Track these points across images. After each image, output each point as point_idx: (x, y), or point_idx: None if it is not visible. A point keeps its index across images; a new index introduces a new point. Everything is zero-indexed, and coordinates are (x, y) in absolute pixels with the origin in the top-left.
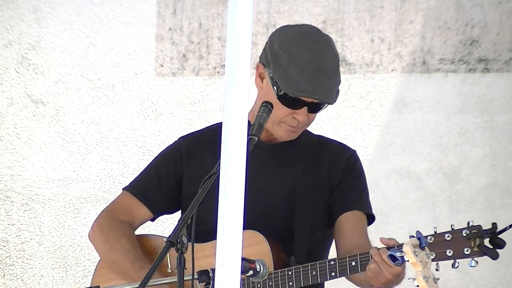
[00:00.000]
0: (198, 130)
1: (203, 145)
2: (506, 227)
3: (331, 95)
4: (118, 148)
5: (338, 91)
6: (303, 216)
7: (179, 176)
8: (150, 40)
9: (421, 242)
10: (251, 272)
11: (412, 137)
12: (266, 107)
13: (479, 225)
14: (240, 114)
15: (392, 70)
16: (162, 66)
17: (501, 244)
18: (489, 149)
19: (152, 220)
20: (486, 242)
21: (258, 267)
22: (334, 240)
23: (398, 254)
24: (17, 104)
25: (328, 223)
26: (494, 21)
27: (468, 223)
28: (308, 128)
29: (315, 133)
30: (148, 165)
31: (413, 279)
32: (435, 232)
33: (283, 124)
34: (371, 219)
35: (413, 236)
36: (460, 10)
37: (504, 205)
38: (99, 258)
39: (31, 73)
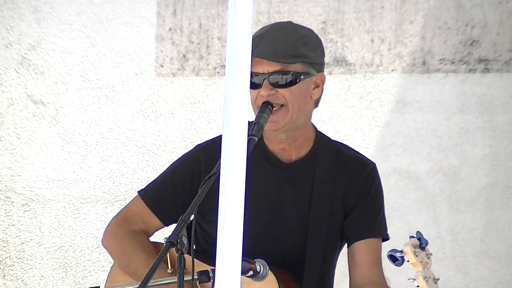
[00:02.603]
0: (217, 137)
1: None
2: None
3: (270, 53)
4: (118, 148)
5: (297, 56)
6: (315, 248)
7: (195, 191)
8: (150, 41)
9: (421, 242)
10: (251, 273)
11: (412, 137)
12: (266, 107)
13: None
14: (240, 114)
15: (392, 70)
16: (162, 66)
17: None
18: (489, 149)
19: (167, 225)
20: None
21: (258, 267)
22: (347, 265)
23: (398, 255)
24: (17, 105)
25: (338, 243)
26: (494, 21)
27: None
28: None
29: None
30: (165, 171)
31: (413, 279)
32: None
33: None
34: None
35: (413, 236)
36: (460, 10)
37: (504, 205)
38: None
39: (31, 74)
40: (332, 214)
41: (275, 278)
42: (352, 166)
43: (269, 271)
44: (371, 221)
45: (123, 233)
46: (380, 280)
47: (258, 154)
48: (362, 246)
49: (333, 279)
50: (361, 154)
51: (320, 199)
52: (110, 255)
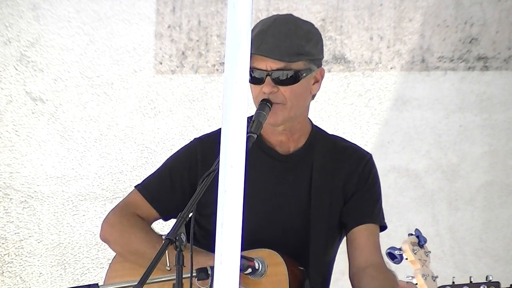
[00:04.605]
0: (215, 131)
1: (219, 148)
2: None
3: (275, 52)
4: (117, 145)
5: (301, 54)
6: (318, 236)
7: (193, 182)
8: (149, 38)
9: (419, 240)
10: (249, 270)
11: (411, 135)
12: (266, 105)
13: (498, 282)
14: (239, 112)
15: (391, 68)
16: (161, 63)
17: None
18: (488, 147)
19: (165, 220)
20: None
21: (257, 265)
22: (347, 250)
23: (396, 252)
24: (16, 102)
25: (339, 233)
26: (493, 19)
27: (487, 277)
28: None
29: None
30: (162, 165)
31: (412, 277)
32: (453, 283)
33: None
34: (383, 227)
35: (412, 234)
36: (459, 8)
37: (503, 203)
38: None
39: (30, 71)
40: (333, 203)
41: (283, 261)
42: (349, 156)
43: (277, 254)
44: (370, 208)
45: (120, 219)
46: (382, 264)
47: (255, 146)
48: (362, 230)
49: (331, 274)
50: (357, 145)
51: (319, 188)
52: (110, 244)
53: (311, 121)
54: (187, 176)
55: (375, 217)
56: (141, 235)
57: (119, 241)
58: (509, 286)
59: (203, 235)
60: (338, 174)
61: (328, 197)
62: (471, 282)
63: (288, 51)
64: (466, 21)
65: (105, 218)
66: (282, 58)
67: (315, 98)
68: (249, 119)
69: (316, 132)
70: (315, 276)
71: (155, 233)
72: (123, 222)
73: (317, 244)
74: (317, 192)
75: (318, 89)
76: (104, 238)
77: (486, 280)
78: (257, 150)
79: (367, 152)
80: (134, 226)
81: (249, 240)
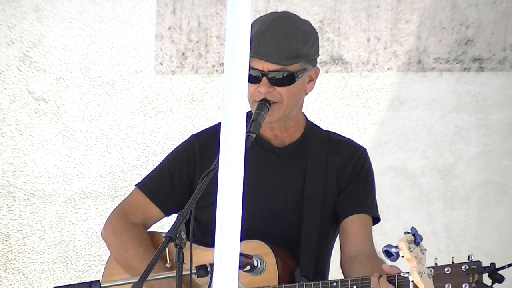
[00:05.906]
0: (212, 126)
1: (216, 143)
2: (505, 266)
3: (273, 55)
4: (118, 144)
5: (298, 57)
6: (310, 227)
7: (191, 176)
8: (150, 39)
9: (415, 238)
10: (248, 267)
11: (407, 135)
12: (264, 105)
13: (479, 261)
14: (239, 111)
15: (388, 69)
16: (161, 64)
17: (500, 279)
18: (483, 147)
19: (167, 215)
20: (485, 277)
21: (255, 262)
22: (339, 240)
23: (393, 250)
24: (19, 101)
25: (334, 225)
26: (489, 21)
27: (469, 257)
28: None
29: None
30: (161, 162)
31: (408, 273)
32: (436, 264)
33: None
34: (376, 219)
35: (408, 232)
36: (455, 10)
37: (498, 202)
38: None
39: (33, 71)
40: (326, 196)
41: (271, 251)
42: (343, 150)
43: (265, 245)
44: (363, 198)
45: (122, 226)
46: (372, 253)
47: None
48: (354, 220)
49: (328, 270)
50: (351, 140)
51: (313, 181)
52: (108, 247)
53: (306, 117)
54: (186, 172)
55: (368, 208)
56: (138, 251)
57: (117, 250)
58: (489, 265)
59: (199, 228)
60: (332, 166)
61: (322, 189)
62: (453, 262)
63: (286, 55)
64: (462, 23)
65: (109, 219)
66: (279, 61)
67: (313, 98)
68: (247, 115)
69: (311, 127)
70: (306, 265)
71: (151, 249)
72: (124, 232)
73: (309, 234)
74: (311, 184)
75: (313, 87)
76: (104, 239)
77: (468, 259)
78: (252, 142)
79: (361, 146)
80: (135, 240)
81: (243, 230)
